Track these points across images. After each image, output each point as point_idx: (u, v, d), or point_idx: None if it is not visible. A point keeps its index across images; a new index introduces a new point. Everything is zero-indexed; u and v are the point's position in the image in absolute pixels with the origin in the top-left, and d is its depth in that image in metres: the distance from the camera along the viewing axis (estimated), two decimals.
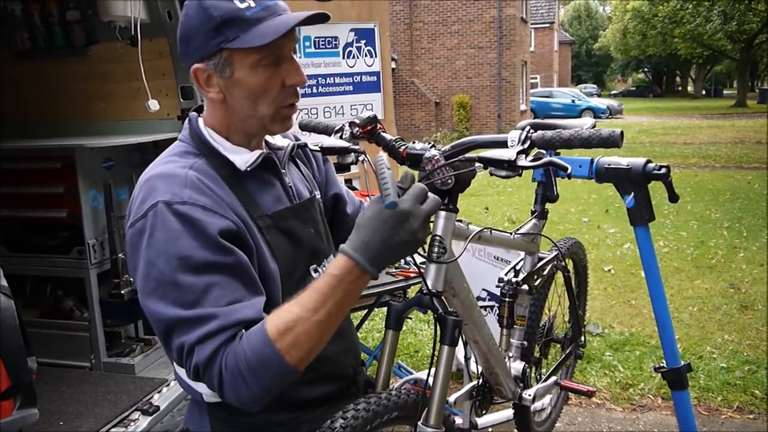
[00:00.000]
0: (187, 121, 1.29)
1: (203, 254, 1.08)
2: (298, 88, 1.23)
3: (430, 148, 1.33)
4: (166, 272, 1.07)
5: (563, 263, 2.35)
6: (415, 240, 1.10)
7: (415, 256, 1.26)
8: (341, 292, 1.08)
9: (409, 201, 1.09)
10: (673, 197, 1.98)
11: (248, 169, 1.23)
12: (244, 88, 1.18)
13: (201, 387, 1.23)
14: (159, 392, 2.78)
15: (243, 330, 1.08)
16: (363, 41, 3.49)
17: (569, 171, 1.17)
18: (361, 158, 1.34)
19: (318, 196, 1.45)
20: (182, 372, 1.25)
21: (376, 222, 1.09)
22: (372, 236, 1.08)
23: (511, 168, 1.17)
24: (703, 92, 49.40)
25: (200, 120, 1.27)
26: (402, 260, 2.90)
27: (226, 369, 1.06)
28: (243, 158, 1.23)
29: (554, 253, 2.29)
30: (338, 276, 1.08)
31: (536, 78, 34.47)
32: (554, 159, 1.18)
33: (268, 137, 1.36)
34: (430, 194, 1.13)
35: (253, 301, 1.12)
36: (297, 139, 1.48)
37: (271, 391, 1.08)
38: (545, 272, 2.23)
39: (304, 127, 1.58)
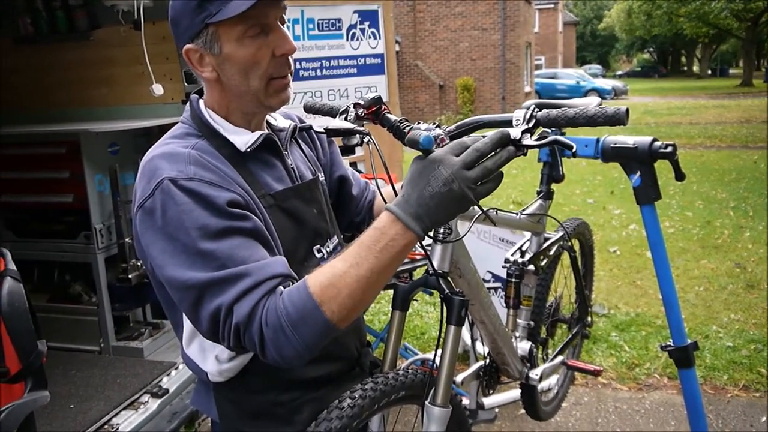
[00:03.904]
0: (188, 102, 1.29)
1: (218, 221, 1.08)
2: (290, 59, 1.22)
3: (435, 127, 1.33)
4: (188, 243, 1.07)
5: (569, 243, 2.35)
6: (450, 191, 1.05)
7: None
8: (384, 247, 1.06)
9: (442, 150, 1.08)
10: (680, 176, 1.97)
11: (248, 149, 1.23)
12: (235, 63, 1.16)
13: (208, 366, 1.25)
14: (168, 375, 2.81)
15: (281, 286, 1.08)
16: (367, 23, 3.47)
17: (574, 149, 1.16)
18: (366, 140, 1.33)
19: (321, 178, 1.45)
20: (193, 351, 1.27)
21: (411, 174, 1.09)
22: (410, 190, 1.07)
23: (516, 147, 1.16)
24: (709, 72, 48.94)
25: (201, 102, 1.27)
26: None
27: (267, 325, 1.04)
28: (243, 139, 1.23)
29: (560, 234, 2.29)
30: (380, 229, 1.07)
31: (541, 59, 34.21)
32: (559, 138, 1.17)
33: (269, 119, 1.35)
34: (478, 144, 1.09)
35: (277, 257, 1.13)
36: (302, 122, 1.47)
37: (313, 348, 1.07)
38: (551, 252, 2.24)
39: (308, 110, 1.56)
